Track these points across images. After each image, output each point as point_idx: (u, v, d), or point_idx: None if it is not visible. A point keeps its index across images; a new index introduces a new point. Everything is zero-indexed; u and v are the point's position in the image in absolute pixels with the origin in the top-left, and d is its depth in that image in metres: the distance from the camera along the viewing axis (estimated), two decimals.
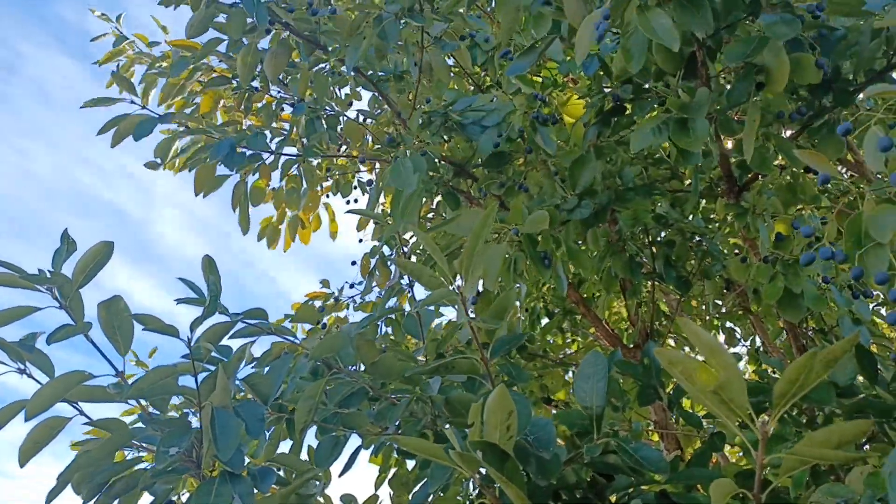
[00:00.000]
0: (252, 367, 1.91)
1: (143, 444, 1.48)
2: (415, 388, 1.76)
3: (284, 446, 1.93)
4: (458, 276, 1.42)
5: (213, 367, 1.49)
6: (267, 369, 1.88)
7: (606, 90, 2.46)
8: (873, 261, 1.24)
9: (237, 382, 1.62)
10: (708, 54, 2.01)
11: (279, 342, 1.96)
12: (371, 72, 2.96)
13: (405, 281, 2.55)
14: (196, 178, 3.07)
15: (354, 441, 1.89)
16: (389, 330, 3.43)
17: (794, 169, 2.54)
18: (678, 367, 0.89)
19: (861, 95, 2.18)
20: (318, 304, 3.94)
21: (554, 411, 4.00)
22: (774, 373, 2.96)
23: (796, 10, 1.92)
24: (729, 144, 2.65)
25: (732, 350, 4.46)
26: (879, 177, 1.26)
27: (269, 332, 1.86)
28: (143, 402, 1.50)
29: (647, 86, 2.23)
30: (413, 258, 3.58)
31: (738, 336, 4.47)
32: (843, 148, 2.18)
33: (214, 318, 1.58)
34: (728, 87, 2.04)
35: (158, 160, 3.23)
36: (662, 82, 2.17)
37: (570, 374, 4.16)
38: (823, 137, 2.17)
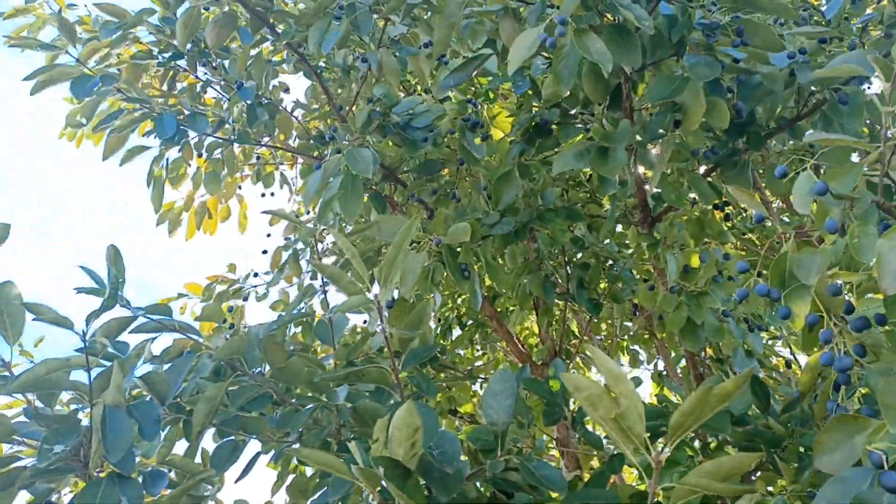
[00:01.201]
0: (151, 365, 1.83)
1: (26, 440, 1.39)
2: (321, 395, 1.73)
3: (180, 447, 1.86)
4: (376, 283, 1.40)
5: (108, 363, 1.41)
6: (167, 366, 1.80)
7: (535, 110, 2.50)
8: (798, 301, 1.30)
9: (134, 379, 1.55)
10: (633, 87, 2.08)
11: (181, 339, 1.88)
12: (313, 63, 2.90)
13: (318, 282, 2.51)
14: (107, 143, 2.90)
15: (253, 445, 1.84)
16: (298, 329, 3.37)
17: (704, 205, 2.65)
18: (583, 393, 0.91)
19: (782, 143, 2.31)
20: (218, 288, 3.82)
21: (459, 423, 4.03)
22: (675, 397, 3.08)
23: (718, 54, 2.01)
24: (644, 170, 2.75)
25: (636, 372, 4.61)
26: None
27: (173, 328, 1.79)
28: (29, 395, 1.41)
29: (573, 111, 2.29)
30: (331, 258, 3.53)
31: (642, 359, 4.62)
32: (750, 185, 2.30)
33: (114, 311, 1.51)
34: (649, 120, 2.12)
35: (84, 120, 3.03)
36: (588, 110, 2.23)
37: (479, 386, 4.20)
38: (734, 176, 2.28)
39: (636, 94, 2.13)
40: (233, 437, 1.79)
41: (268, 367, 1.85)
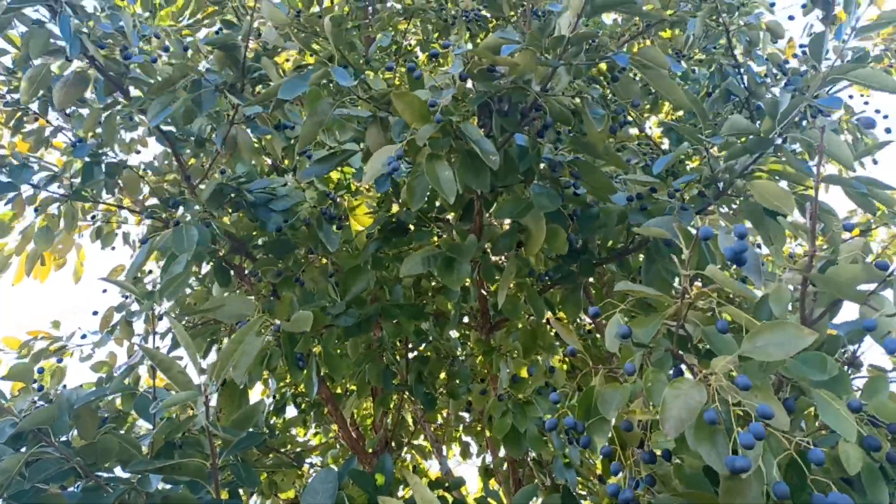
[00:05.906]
0: None
1: None
2: (133, 475, 1.64)
3: None
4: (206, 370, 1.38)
5: None
6: None
7: (395, 205, 2.60)
8: (598, 432, 1.42)
9: None
10: (485, 204, 2.23)
11: None
12: (169, 129, 2.85)
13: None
14: None
15: None
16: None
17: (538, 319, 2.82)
18: None
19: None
20: (40, 344, 3.52)
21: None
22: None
23: (562, 185, 2.21)
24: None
25: (465, 466, 4.68)
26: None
27: None
28: None
29: (429, 216, 2.40)
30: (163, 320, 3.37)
31: (473, 451, 4.70)
32: (580, 308, 2.49)
33: None
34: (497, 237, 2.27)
35: None
36: (443, 217, 2.35)
37: (309, 466, 4.09)
38: (567, 296, 2.48)
39: (488, 210, 2.28)
40: None
41: (76, 433, 1.74)
